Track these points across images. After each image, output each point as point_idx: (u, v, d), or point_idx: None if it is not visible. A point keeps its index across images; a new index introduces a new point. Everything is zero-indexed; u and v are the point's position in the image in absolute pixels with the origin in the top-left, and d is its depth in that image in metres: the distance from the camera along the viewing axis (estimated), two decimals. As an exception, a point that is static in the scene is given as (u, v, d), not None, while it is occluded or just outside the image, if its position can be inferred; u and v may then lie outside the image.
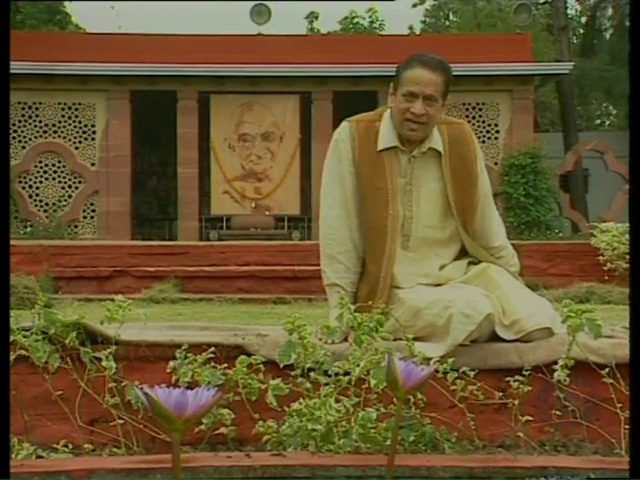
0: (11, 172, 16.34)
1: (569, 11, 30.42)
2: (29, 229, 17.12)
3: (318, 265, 3.53)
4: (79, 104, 17.90)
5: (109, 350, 3.07)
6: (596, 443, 3.02)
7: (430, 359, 2.94)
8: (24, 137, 17.64)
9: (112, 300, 3.13)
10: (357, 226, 3.44)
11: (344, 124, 3.51)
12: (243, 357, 3.03)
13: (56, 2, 28.71)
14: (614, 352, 3.05)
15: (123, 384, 3.07)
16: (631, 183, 2.36)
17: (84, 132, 17.95)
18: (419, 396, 2.91)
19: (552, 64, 21.11)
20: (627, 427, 2.81)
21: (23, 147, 17.58)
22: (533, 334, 3.15)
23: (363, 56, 17.80)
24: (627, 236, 11.18)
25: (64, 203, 17.77)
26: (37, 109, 17.73)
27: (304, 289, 11.29)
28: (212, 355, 3.05)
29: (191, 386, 2.86)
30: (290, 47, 18.21)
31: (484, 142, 18.05)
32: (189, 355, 3.06)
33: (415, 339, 3.03)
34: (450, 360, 2.94)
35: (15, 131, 17.51)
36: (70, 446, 2.99)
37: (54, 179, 17.82)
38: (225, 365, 3.03)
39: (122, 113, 17.85)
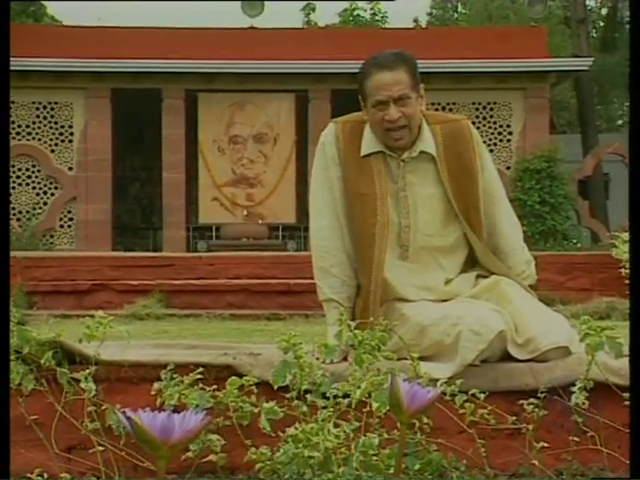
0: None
1: (588, 2, 30.53)
2: (1, 239, 17.11)
3: (315, 278, 3.53)
4: (55, 103, 17.92)
5: (88, 371, 3.08)
6: (618, 472, 3.02)
7: (437, 380, 2.94)
8: (-5, 139, 17.66)
9: (91, 316, 3.13)
10: (348, 235, 3.45)
11: (330, 125, 3.53)
12: (234, 378, 3.03)
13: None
14: (636, 373, 3.06)
15: (103, 408, 3.08)
16: (631, 183, 2.38)
17: (60, 134, 17.97)
18: (425, 420, 2.91)
19: (569, 60, 21.16)
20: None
21: (-6, 150, 17.60)
22: (548, 353, 3.15)
23: (364, 51, 17.75)
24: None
25: (39, 211, 17.77)
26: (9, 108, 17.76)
27: (300, 304, 11.29)
28: (200, 376, 3.05)
29: (178, 409, 2.86)
30: (285, 41, 18.25)
31: (495, 145, 18.09)
32: (175, 376, 3.06)
33: (420, 359, 3.04)
34: (458, 381, 2.94)
35: (-14, 132, 17.53)
36: (46, 475, 2.98)
37: (28, 185, 17.84)
38: (214, 387, 3.04)
39: (102, 113, 17.87)
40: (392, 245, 3.41)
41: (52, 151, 17.90)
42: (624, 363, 3.09)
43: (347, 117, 3.55)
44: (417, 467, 2.83)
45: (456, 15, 40.94)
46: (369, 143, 3.42)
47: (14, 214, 17.65)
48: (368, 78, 3.35)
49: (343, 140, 3.45)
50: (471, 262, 3.52)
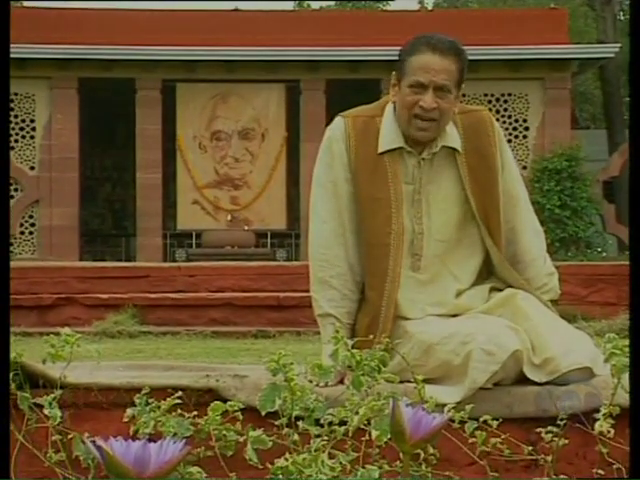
0: None
1: (614, -18, 30.58)
2: (-46, 247, 17.11)
3: (308, 291, 3.53)
4: (15, 94, 17.91)
5: (53, 395, 3.08)
6: (646, 508, 3.03)
7: (444, 405, 2.95)
8: (-52, 135, 17.67)
9: (57, 334, 3.13)
10: (354, 244, 3.44)
11: (338, 120, 3.52)
12: (217, 403, 3.03)
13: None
14: (668, 397, 3.06)
15: (70, 436, 3.08)
16: (631, 183, 2.40)
17: (21, 129, 17.98)
18: (430, 451, 2.91)
19: (593, 46, 21.22)
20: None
21: (-53, 147, 17.61)
22: (569, 375, 3.16)
23: (363, 37, 17.87)
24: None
25: (-3, 215, 17.77)
26: (-36, 100, 17.76)
27: (291, 320, 11.30)
28: (179, 401, 3.05)
29: (154, 438, 2.87)
30: (274, 26, 18.27)
31: (510, 141, 18.11)
32: (151, 401, 3.06)
33: (426, 381, 3.04)
34: (468, 407, 2.95)
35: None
36: (5, 513, 2.99)
37: (-15, 186, 17.83)
38: (195, 413, 3.04)
39: (68, 105, 17.87)
40: (404, 255, 3.41)
41: (11, 148, 17.88)
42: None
43: (357, 111, 3.53)
44: (422, 503, 2.83)
45: (466, -4, 41.03)
46: (387, 138, 3.40)
47: (-31, 219, 17.66)
48: (414, 55, 3.32)
49: (354, 137, 3.43)
50: (485, 273, 3.52)
